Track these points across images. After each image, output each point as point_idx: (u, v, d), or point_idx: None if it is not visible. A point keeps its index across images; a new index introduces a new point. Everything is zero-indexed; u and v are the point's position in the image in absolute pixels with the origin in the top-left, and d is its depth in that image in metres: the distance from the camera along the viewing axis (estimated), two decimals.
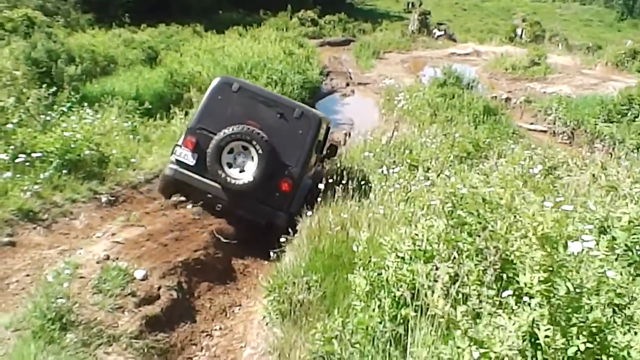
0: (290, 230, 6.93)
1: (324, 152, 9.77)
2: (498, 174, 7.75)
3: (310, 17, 42.53)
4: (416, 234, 4.65)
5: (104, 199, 8.38)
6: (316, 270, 5.73)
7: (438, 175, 8.35)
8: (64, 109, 10.56)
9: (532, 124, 20.71)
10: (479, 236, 4.20)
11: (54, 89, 11.20)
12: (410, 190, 7.69)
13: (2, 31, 14.85)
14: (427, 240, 4.52)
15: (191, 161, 7.88)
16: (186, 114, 13.10)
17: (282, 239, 6.88)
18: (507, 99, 23.07)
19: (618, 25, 59.44)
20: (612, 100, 18.84)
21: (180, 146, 7.99)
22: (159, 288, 5.76)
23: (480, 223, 4.39)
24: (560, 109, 20.22)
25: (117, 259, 6.02)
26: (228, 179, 7.67)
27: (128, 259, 6.06)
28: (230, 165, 7.78)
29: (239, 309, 6.53)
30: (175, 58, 20.20)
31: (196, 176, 7.89)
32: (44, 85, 10.97)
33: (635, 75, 26.18)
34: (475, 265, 3.97)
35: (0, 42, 13.47)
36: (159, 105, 13.92)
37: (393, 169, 9.20)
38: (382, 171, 9.15)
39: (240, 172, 7.78)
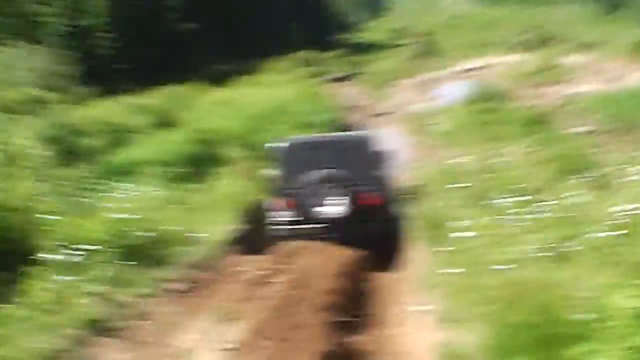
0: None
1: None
2: None
3: (309, 57, 41.53)
4: None
5: (176, 288, 6.85)
6: (515, 351, 4.11)
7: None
8: (100, 187, 9.20)
9: (575, 127, 19.37)
10: None
11: (81, 166, 9.90)
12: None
13: (10, 114, 13.45)
14: None
15: (292, 217, 8.71)
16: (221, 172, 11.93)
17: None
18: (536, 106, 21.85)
19: (604, 20, 58.84)
20: None
21: (276, 210, 8.82)
22: None
23: None
24: (601, 106, 18.95)
25: None
26: (329, 216, 8.59)
27: None
28: (325, 205, 8.65)
29: None
30: (192, 116, 18.88)
31: (302, 226, 8.66)
32: (70, 164, 9.66)
33: None
34: None
35: (9, 126, 11.98)
36: (193, 167, 12.46)
37: (497, 198, 7.94)
38: (489, 203, 7.92)
39: (336, 206, 8.65)
